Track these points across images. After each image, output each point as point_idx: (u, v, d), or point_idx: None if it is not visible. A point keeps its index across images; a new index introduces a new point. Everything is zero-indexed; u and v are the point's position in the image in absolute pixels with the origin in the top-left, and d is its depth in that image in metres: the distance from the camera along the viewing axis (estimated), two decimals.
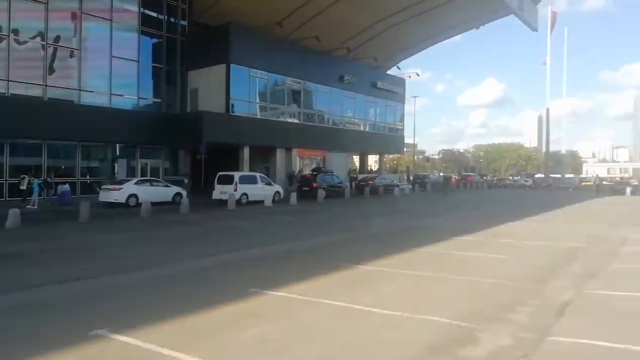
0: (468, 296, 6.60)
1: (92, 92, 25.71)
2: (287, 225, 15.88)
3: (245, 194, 23.81)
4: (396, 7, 35.45)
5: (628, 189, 40.97)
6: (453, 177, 59.85)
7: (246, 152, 29.60)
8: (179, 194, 23.03)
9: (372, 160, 56.66)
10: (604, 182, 52.97)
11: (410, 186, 41.29)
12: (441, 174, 69.47)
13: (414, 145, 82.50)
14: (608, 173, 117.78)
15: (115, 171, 27.11)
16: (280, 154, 32.75)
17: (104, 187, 22.42)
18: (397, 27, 38.33)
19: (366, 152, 45.83)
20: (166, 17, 29.42)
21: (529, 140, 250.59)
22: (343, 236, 12.88)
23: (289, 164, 33.36)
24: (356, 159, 50.53)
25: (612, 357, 4.45)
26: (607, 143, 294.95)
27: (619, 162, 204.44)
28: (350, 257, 9.24)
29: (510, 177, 78.10)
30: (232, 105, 29.04)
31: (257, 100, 31.32)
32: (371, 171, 49.49)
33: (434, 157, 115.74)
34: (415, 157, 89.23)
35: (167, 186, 23.72)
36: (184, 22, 30.24)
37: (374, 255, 9.57)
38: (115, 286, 7.11)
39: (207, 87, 29.40)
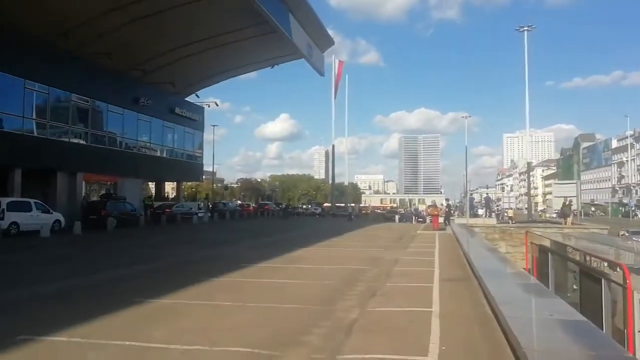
0: (267, 323, 6.73)
1: None
2: (65, 260, 13.88)
3: (15, 222, 20.38)
4: (192, 37, 34.99)
5: (397, 217, 47.91)
6: (251, 205, 61.44)
7: (17, 175, 25.37)
8: None
9: (170, 188, 54.48)
10: (377, 211, 60.49)
11: (209, 214, 40.94)
12: (238, 202, 70.73)
13: (213, 173, 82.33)
14: (381, 203, 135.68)
15: None
16: (62, 179, 28.92)
17: None
18: (194, 57, 38.00)
19: (163, 178, 43.92)
20: None
21: (318, 172, 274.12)
22: (134, 269, 11.93)
23: (72, 189, 29.67)
24: (152, 186, 47.95)
25: None
26: (380, 177, 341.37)
27: (389, 193, 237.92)
28: (143, 291, 8.59)
29: (303, 206, 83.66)
30: (1, 120, 24.80)
31: (34, 116, 27.30)
32: (168, 199, 47.48)
33: (232, 185, 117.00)
34: (215, 185, 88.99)
35: None
36: None
37: (171, 287, 9.08)
38: None
39: None
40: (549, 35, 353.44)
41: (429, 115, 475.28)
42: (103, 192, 33.23)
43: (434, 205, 33.48)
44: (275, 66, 45.38)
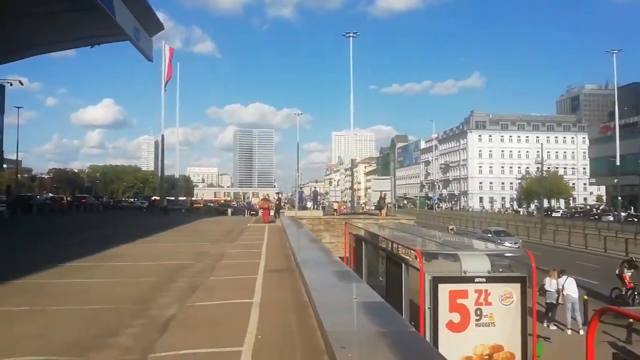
0: (70, 327, 6.07)
1: None
2: None
3: None
4: None
5: (229, 210, 47.72)
6: (65, 198, 55.24)
7: None
8: None
9: None
10: (210, 204, 59.65)
11: (10, 209, 35.55)
12: (49, 195, 63.05)
13: (17, 162, 71.66)
14: (215, 196, 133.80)
15: None
16: None
17: None
18: None
19: None
20: None
21: (146, 163, 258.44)
22: None
23: None
24: None
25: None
26: (214, 170, 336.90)
27: (223, 187, 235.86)
28: None
29: (128, 199, 78.11)
30: None
31: None
32: None
33: (43, 176, 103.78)
34: (19, 175, 77.73)
35: None
36: None
37: None
38: None
39: None
40: (373, 43, 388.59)
41: (264, 110, 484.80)
42: None
43: (265, 199, 34.18)
44: (97, 46, 41.03)
